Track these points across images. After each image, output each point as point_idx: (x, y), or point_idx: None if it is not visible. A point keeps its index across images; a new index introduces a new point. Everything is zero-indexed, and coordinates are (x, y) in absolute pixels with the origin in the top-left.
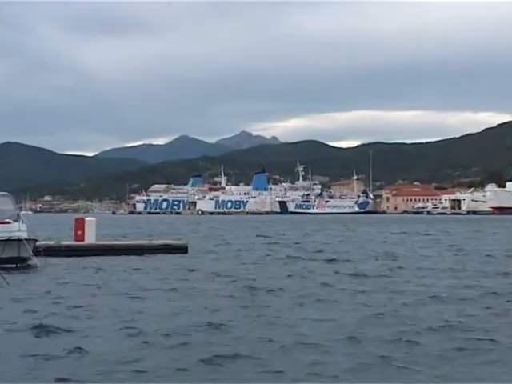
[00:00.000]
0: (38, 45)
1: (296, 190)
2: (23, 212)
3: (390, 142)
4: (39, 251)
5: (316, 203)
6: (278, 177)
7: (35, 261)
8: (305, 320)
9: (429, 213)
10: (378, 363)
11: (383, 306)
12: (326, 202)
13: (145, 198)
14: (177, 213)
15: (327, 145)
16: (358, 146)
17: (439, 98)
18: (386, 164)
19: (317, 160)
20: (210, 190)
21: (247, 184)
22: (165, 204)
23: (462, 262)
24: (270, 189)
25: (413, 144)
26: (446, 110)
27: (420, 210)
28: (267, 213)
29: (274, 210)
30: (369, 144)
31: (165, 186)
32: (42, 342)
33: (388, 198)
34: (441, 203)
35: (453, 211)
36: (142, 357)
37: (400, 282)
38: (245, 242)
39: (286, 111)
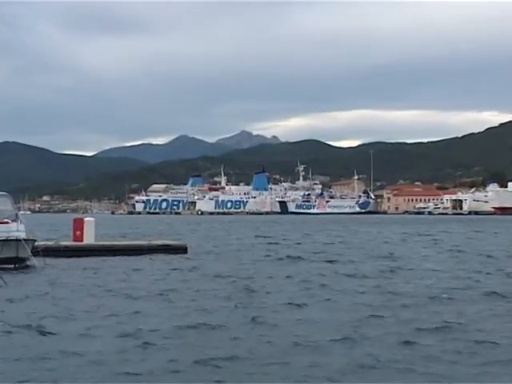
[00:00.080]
0: (37, 44)
1: (296, 189)
2: (21, 212)
3: (391, 141)
4: (38, 251)
5: (316, 203)
6: (278, 177)
7: (34, 261)
8: (304, 320)
9: (430, 213)
10: (378, 364)
11: (383, 307)
12: (327, 202)
13: (144, 198)
14: (176, 213)
15: (328, 144)
16: (358, 145)
17: (441, 98)
18: (387, 164)
19: (317, 160)
20: (210, 189)
21: (247, 184)
22: (164, 204)
23: (463, 262)
24: (271, 189)
25: (414, 144)
26: (448, 110)
27: (421, 211)
28: (267, 213)
29: (275, 210)
30: (370, 144)
31: (164, 185)
32: (39, 342)
33: (389, 198)
34: (442, 203)
35: (454, 211)
36: (139, 358)
37: (400, 282)
38: (245, 242)
39: (287, 111)
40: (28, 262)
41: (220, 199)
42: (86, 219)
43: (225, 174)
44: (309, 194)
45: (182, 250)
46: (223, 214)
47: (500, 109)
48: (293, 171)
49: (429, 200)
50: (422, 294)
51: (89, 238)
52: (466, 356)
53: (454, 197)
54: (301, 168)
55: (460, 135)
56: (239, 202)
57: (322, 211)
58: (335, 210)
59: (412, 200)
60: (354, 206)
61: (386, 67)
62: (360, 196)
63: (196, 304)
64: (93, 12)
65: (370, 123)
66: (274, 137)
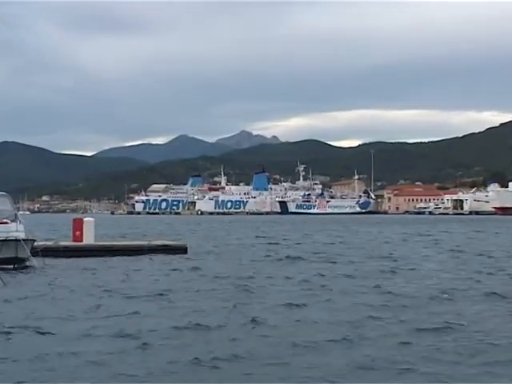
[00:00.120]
0: (36, 44)
1: (296, 189)
2: (21, 212)
3: (391, 141)
4: (37, 252)
5: (317, 203)
6: (278, 176)
7: (33, 261)
8: (304, 321)
9: (431, 213)
10: (377, 364)
11: (383, 307)
12: (327, 202)
13: (144, 198)
14: (176, 213)
15: (328, 144)
16: (359, 145)
17: (441, 98)
18: (388, 164)
19: (318, 160)
20: (210, 189)
21: (247, 184)
22: (164, 204)
23: (464, 263)
24: (271, 189)
25: (415, 143)
26: (449, 110)
27: (422, 211)
28: (267, 213)
29: (275, 210)
30: (370, 143)
31: (164, 185)
32: (38, 343)
33: (389, 198)
34: (443, 203)
35: (455, 211)
36: (138, 358)
37: (400, 282)
38: (245, 242)
39: (287, 110)
40: (27, 263)
41: (220, 199)
42: (85, 219)
43: (225, 174)
44: (309, 194)
45: (181, 250)
46: (223, 214)
47: (500, 109)
48: (293, 171)
49: (429, 200)
50: (423, 294)
51: (88, 239)
52: (467, 356)
53: (454, 197)
54: (301, 168)
55: (460, 135)
56: (239, 202)
57: (323, 211)
58: (335, 210)
59: (412, 200)
60: (354, 206)
61: (387, 67)
62: (360, 196)
63: (196, 304)
64: (93, 12)
65: (371, 123)
66: (274, 137)
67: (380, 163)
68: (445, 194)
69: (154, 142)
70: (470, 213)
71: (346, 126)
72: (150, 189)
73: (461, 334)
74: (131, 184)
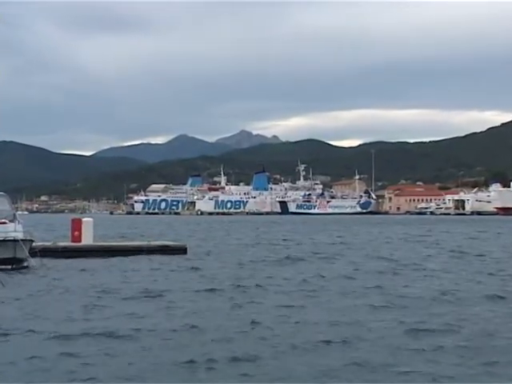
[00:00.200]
0: (36, 44)
1: (297, 189)
2: (19, 212)
3: (392, 141)
4: (35, 252)
5: (317, 203)
6: (278, 176)
7: (31, 262)
8: (303, 321)
9: (432, 213)
10: (377, 365)
11: (383, 308)
12: (328, 202)
13: (143, 198)
14: (176, 213)
15: (329, 144)
16: (359, 145)
17: (443, 97)
18: (389, 163)
19: (318, 159)
20: (210, 189)
21: (247, 184)
22: (163, 204)
23: (465, 263)
24: (271, 189)
25: (416, 143)
26: (450, 109)
27: (423, 211)
28: (267, 213)
29: (275, 210)
30: (371, 143)
31: (163, 185)
32: (36, 344)
33: (390, 198)
34: (444, 203)
35: (456, 212)
36: (138, 358)
37: (401, 283)
38: (244, 242)
39: (287, 110)
40: (25, 263)
41: (220, 199)
42: (84, 219)
43: (224, 174)
44: (309, 194)
45: (181, 250)
46: (223, 214)
47: (502, 108)
48: (293, 171)
49: (431, 200)
50: (423, 295)
51: (87, 239)
52: (467, 358)
53: (456, 197)
54: (301, 168)
55: (462, 135)
56: (239, 202)
57: (323, 211)
58: (336, 211)
59: (414, 200)
60: (355, 207)
61: (387, 66)
62: (361, 196)
63: (195, 305)
64: (92, 11)
65: (371, 123)
66: (275, 136)
67: (381, 163)
68: (446, 194)
69: (153, 142)
70: (472, 213)
71: (347, 125)
72: (149, 189)
73: (461, 334)
74: (130, 184)
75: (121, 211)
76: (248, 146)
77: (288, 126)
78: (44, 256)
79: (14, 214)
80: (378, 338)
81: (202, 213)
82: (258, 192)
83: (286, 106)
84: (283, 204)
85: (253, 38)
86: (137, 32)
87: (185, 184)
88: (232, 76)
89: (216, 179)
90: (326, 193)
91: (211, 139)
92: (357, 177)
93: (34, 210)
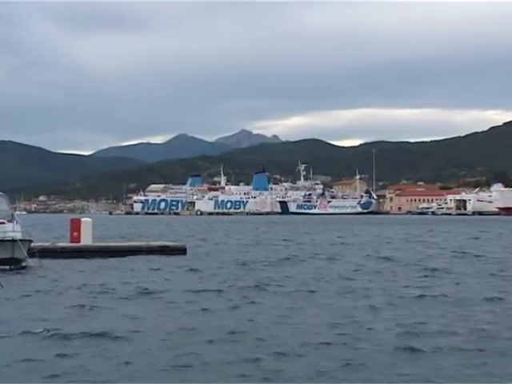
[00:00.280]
0: (35, 42)
1: (297, 189)
2: (17, 212)
3: (393, 140)
4: (34, 252)
5: (318, 203)
6: (278, 176)
7: (30, 262)
8: (303, 322)
9: (433, 213)
10: (377, 365)
11: (384, 308)
12: (328, 202)
13: (142, 198)
14: (175, 213)
15: (329, 143)
16: (360, 144)
17: (444, 96)
18: (390, 163)
19: (318, 159)
20: (209, 189)
21: (247, 184)
22: (163, 204)
23: (466, 263)
24: (271, 189)
25: (417, 143)
26: (452, 109)
27: (424, 211)
28: (268, 213)
29: (275, 210)
30: (372, 143)
31: (163, 185)
32: (34, 345)
33: (391, 198)
34: (446, 203)
35: (458, 212)
36: (137, 359)
37: (401, 283)
38: (244, 243)
39: (287, 109)
40: (24, 263)
41: (219, 199)
42: (83, 220)
43: (224, 174)
44: (310, 194)
45: (181, 251)
46: (223, 214)
47: (504, 108)
48: (293, 171)
49: (432, 200)
50: (424, 295)
51: (86, 239)
52: (467, 358)
53: (457, 197)
54: (302, 167)
55: (463, 134)
56: (239, 202)
57: (324, 211)
58: (337, 211)
59: (415, 200)
60: (355, 206)
61: (388, 65)
62: (362, 196)
63: (194, 305)
64: (92, 10)
65: (372, 122)
66: (275, 136)
67: (382, 163)
68: (447, 194)
69: (152, 142)
70: (473, 213)
71: (348, 125)
72: (148, 189)
73: (461, 335)
74: (129, 184)
75: (120, 211)
76: (248, 146)
77: (288, 126)
78: (43, 256)
79: (13, 214)
80: (377, 338)
81: (201, 213)
82: (258, 192)
83: (286, 106)
84: (283, 204)
85: (253, 37)
86: (137, 31)
87: (184, 184)
88: (232, 75)
89: (216, 179)
90: (326, 193)
91: (211, 139)
92: (357, 177)
93: (33, 210)
